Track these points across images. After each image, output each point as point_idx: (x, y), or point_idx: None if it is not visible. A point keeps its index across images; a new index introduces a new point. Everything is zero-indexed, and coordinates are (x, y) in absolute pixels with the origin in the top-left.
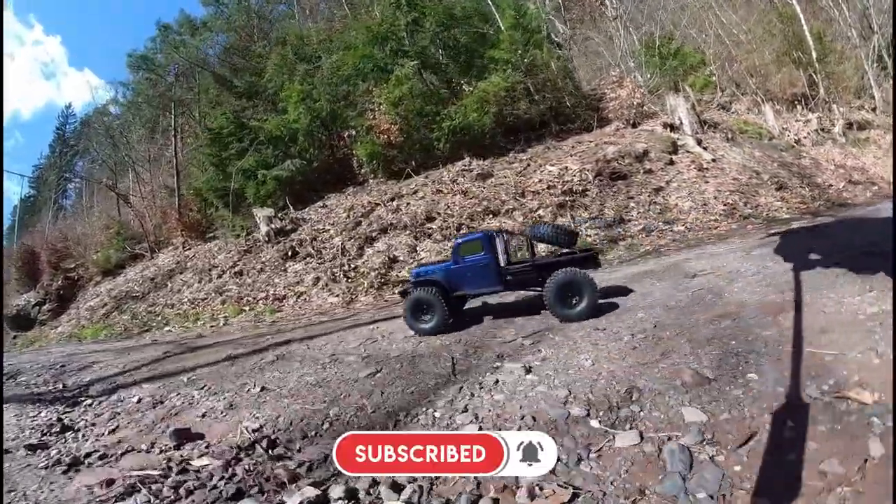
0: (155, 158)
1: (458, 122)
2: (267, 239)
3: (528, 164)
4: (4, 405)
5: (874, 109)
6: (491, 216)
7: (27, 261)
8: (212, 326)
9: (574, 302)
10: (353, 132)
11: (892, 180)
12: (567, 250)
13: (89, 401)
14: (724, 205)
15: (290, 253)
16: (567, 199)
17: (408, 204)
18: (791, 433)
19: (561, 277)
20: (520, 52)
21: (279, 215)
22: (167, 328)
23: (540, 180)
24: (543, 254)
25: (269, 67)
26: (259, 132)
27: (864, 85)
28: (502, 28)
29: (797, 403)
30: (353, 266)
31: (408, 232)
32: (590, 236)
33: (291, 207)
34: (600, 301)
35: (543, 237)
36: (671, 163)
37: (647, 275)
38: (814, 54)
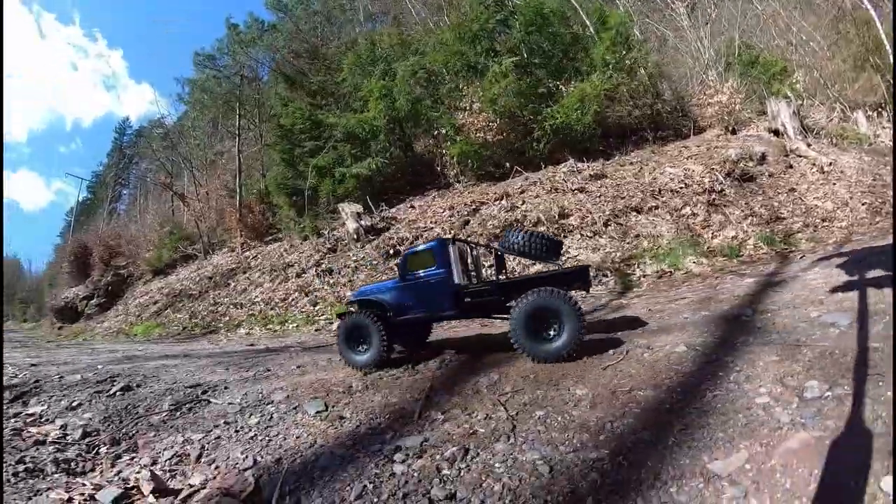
0: (212, 161)
1: (560, 121)
2: (356, 237)
3: (641, 167)
4: None
5: None
6: (635, 213)
7: (79, 255)
8: (317, 331)
9: (550, 334)
10: (443, 131)
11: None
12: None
13: None
14: (863, 204)
15: (391, 251)
16: (713, 196)
17: (522, 202)
18: None
19: (531, 301)
20: (623, 52)
21: (364, 212)
22: (242, 330)
23: (671, 179)
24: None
25: (345, 67)
26: (335, 129)
27: None
28: (591, 30)
29: None
30: (490, 264)
31: (543, 228)
32: (751, 234)
33: (383, 205)
34: None
35: (513, 248)
36: (790, 166)
37: None
38: (891, 59)
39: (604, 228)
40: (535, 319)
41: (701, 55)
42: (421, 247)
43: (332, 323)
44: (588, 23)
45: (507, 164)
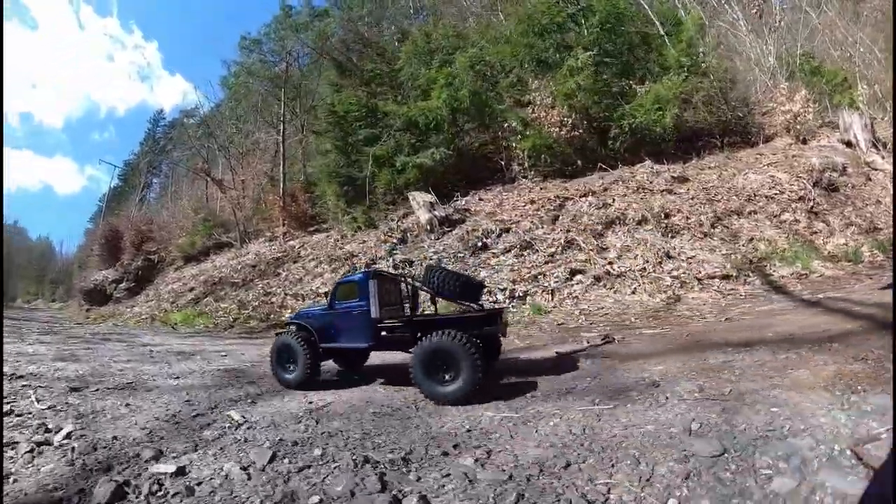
0: (249, 150)
1: (639, 121)
2: (429, 227)
3: (721, 173)
4: None
5: None
6: (736, 216)
7: (110, 239)
8: None
9: (447, 377)
10: (513, 124)
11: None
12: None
13: None
14: None
15: (479, 244)
16: (811, 204)
17: (613, 200)
18: None
19: (430, 344)
20: (698, 55)
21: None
22: None
23: (761, 185)
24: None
25: (402, 56)
26: (392, 118)
27: None
28: (661, 31)
29: None
30: (608, 260)
31: (648, 227)
32: (862, 242)
33: (458, 195)
34: None
35: (430, 286)
36: (869, 178)
37: None
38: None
39: (711, 230)
40: (433, 361)
41: (762, 63)
42: (349, 278)
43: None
44: (657, 23)
45: (579, 162)
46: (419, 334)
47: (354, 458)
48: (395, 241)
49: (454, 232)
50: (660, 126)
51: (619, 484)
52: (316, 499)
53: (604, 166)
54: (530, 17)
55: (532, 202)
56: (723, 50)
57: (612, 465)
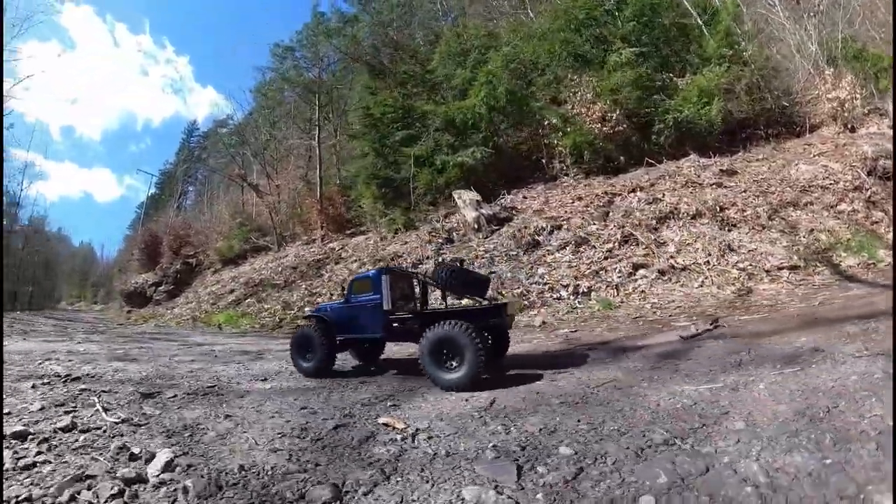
0: (283, 156)
1: (685, 114)
2: (476, 226)
3: (770, 164)
4: None
5: None
6: (792, 207)
7: (149, 244)
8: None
9: (452, 365)
10: (553, 121)
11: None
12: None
13: None
14: None
15: (531, 241)
16: (868, 193)
17: (663, 195)
18: None
19: (436, 332)
20: (742, 44)
21: (479, 200)
22: None
23: (814, 176)
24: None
25: (435, 57)
26: (429, 118)
27: None
28: (698, 21)
29: None
30: (669, 254)
31: (703, 221)
32: None
33: (504, 193)
34: None
35: (439, 281)
36: None
37: None
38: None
39: (769, 222)
40: (439, 349)
41: (803, 49)
42: (364, 274)
43: None
44: (694, 13)
45: (622, 158)
46: (426, 325)
47: (627, 448)
48: (441, 240)
49: (503, 230)
50: (705, 119)
51: (886, 414)
52: (649, 498)
53: (650, 161)
54: (566, 13)
55: (579, 199)
56: (762, 38)
57: (863, 405)
